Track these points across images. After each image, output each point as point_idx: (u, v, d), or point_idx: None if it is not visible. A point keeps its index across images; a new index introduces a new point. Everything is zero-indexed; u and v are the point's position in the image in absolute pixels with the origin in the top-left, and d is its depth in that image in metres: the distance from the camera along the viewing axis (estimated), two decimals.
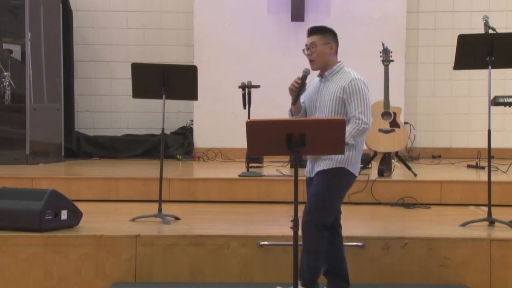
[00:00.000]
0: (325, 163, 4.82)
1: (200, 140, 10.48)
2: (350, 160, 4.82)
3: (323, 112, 4.84)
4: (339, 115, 4.81)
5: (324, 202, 4.81)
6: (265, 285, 5.01)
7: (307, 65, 4.95)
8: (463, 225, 6.08)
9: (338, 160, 4.80)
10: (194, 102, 9.83)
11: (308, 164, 4.98)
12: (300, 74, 4.81)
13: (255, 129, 4.35)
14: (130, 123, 10.94)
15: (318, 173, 4.85)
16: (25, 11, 9.31)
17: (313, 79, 5.05)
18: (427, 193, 7.43)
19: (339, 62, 4.98)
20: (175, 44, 10.85)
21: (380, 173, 7.84)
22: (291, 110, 4.98)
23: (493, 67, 6.10)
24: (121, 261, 5.59)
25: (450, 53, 8.52)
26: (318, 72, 5.00)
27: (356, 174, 4.92)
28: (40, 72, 9.54)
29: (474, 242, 5.58)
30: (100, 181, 7.78)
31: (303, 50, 4.94)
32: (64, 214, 5.83)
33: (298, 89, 4.82)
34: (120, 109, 10.88)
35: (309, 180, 4.96)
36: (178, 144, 10.50)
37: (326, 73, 4.92)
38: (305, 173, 4.99)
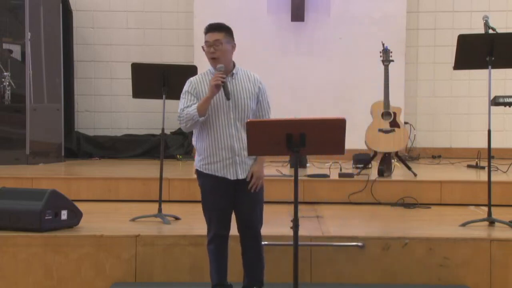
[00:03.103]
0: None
1: None
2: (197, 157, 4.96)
3: (243, 111, 4.79)
4: (254, 113, 4.84)
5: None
6: (265, 285, 5.01)
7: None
8: (463, 225, 6.08)
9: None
10: None
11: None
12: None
13: (255, 129, 4.35)
14: (130, 123, 10.93)
15: None
16: (25, 11, 9.31)
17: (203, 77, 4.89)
18: (427, 193, 7.44)
19: (233, 61, 4.93)
20: (175, 44, 10.85)
21: (380, 173, 7.84)
22: (198, 111, 4.70)
23: (493, 67, 6.10)
24: (121, 261, 5.59)
25: (450, 53, 8.52)
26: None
27: (206, 171, 4.87)
28: (40, 72, 9.54)
29: (474, 242, 5.58)
30: (100, 181, 7.78)
31: (202, 47, 4.82)
32: (64, 214, 5.83)
33: (225, 83, 4.70)
34: (120, 109, 10.87)
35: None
36: (178, 144, 10.50)
37: (233, 72, 4.86)
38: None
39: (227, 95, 4.70)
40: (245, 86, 4.85)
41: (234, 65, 4.92)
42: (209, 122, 4.79)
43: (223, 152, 4.80)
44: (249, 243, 4.96)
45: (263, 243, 5.39)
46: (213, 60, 4.79)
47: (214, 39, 4.78)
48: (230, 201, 4.88)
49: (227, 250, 4.99)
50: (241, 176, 4.83)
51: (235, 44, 4.90)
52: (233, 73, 4.86)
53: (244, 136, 4.73)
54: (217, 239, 4.93)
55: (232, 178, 4.82)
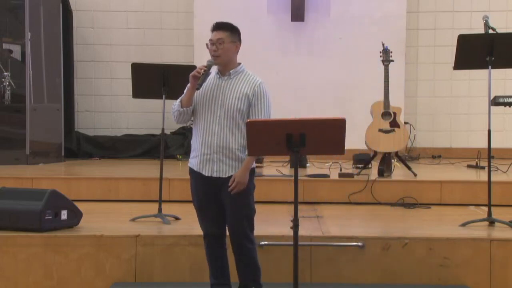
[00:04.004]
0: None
1: None
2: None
3: (229, 110, 4.77)
4: (244, 115, 4.79)
5: None
6: (265, 285, 5.01)
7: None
8: (463, 225, 6.09)
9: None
10: None
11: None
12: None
13: (255, 129, 4.35)
14: (130, 123, 10.93)
15: None
16: (25, 11, 9.31)
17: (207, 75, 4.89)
18: (427, 193, 7.44)
19: (240, 63, 4.92)
20: (175, 44, 10.85)
21: (380, 173, 7.84)
22: (181, 102, 4.83)
23: (493, 67, 6.11)
24: (121, 261, 5.59)
25: (450, 53, 8.52)
26: None
27: (192, 166, 4.93)
28: (40, 72, 9.53)
29: (474, 242, 5.59)
30: (100, 181, 7.78)
31: (206, 45, 4.85)
32: (64, 214, 5.83)
33: (203, 75, 4.72)
34: (120, 109, 10.87)
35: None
36: (178, 144, 10.49)
37: (231, 72, 4.85)
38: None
39: (198, 86, 4.73)
40: (238, 87, 4.83)
41: (238, 66, 4.89)
42: (198, 117, 4.86)
43: (202, 148, 4.83)
44: (235, 245, 4.93)
45: (262, 243, 5.41)
46: (215, 58, 4.83)
47: (217, 37, 4.81)
48: (215, 200, 4.86)
49: (222, 249, 4.98)
50: (216, 174, 4.82)
51: (239, 44, 4.91)
52: (230, 73, 4.86)
53: (228, 135, 4.76)
54: (208, 237, 4.96)
55: (206, 174, 4.83)
